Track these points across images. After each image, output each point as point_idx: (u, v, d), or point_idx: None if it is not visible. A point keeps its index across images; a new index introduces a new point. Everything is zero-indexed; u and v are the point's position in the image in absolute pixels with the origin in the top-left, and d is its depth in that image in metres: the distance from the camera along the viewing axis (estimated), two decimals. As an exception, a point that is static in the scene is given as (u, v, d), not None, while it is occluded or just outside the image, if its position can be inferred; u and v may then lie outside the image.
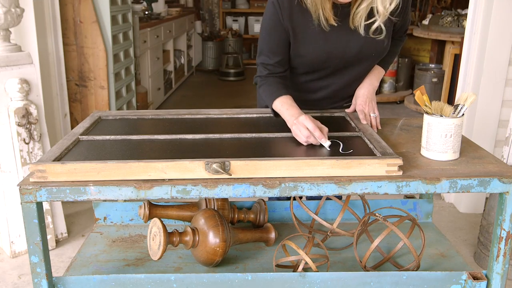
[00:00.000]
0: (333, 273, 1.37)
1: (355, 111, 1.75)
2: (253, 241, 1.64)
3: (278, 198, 1.94)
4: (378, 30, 1.60)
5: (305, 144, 1.43)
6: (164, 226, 1.45)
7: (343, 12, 1.58)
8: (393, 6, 1.53)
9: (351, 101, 1.81)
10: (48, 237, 2.51)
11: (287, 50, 1.66)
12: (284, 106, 1.56)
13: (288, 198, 1.88)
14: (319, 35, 1.61)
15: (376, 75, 1.79)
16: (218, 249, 1.48)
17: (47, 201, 1.27)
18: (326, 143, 1.40)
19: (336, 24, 1.57)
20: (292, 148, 1.44)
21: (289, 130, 1.55)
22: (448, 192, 1.38)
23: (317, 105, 1.82)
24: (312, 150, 1.41)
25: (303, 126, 1.43)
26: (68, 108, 3.28)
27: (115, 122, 1.68)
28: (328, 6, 1.53)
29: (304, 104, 1.74)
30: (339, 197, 1.77)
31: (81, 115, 3.43)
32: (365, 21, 1.57)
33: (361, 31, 1.60)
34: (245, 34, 7.92)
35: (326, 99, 1.81)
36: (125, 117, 1.73)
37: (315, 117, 1.72)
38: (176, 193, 1.26)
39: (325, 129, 1.45)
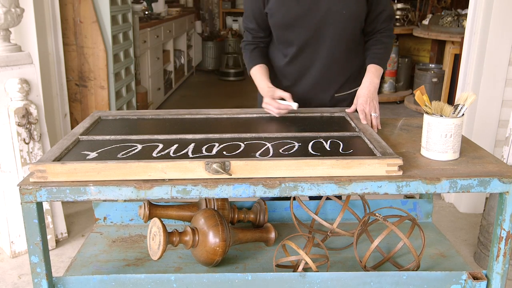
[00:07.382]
0: (333, 273, 1.37)
1: (356, 111, 1.74)
2: (253, 241, 1.64)
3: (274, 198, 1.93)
4: None
5: (277, 115, 1.69)
6: (164, 226, 1.45)
7: None
8: None
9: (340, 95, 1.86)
10: (48, 237, 2.51)
11: (264, 14, 1.81)
12: (257, 76, 1.82)
13: (288, 198, 1.88)
14: None
15: (374, 72, 1.78)
16: (218, 248, 1.48)
17: (47, 201, 1.27)
18: (294, 105, 1.67)
19: None
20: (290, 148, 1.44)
21: (288, 131, 1.56)
22: (448, 192, 1.38)
23: (306, 96, 1.87)
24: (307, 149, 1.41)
25: (269, 104, 1.69)
26: (68, 108, 3.28)
27: (115, 122, 1.68)
28: None
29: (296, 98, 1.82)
30: (339, 197, 1.76)
31: (81, 115, 3.43)
32: None
33: None
34: (245, 34, 7.92)
35: (313, 86, 1.87)
36: (125, 117, 1.73)
37: (315, 117, 1.74)
38: (176, 193, 1.26)
39: (287, 94, 1.69)
